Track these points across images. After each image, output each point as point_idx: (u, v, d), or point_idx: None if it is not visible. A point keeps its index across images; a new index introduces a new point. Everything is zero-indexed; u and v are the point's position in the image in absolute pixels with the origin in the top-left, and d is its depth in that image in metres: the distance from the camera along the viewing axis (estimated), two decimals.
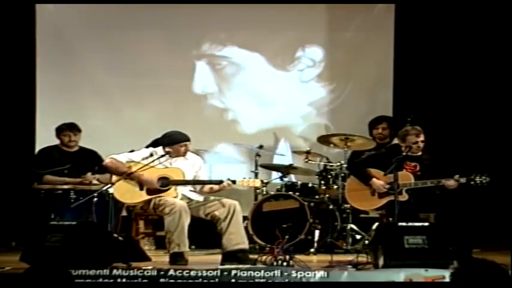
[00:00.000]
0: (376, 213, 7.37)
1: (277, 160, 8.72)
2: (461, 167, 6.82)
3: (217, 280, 5.14)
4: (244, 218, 7.21)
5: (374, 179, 6.95)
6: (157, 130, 7.25)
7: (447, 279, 4.79)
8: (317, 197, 7.97)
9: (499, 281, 3.48)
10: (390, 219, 6.76)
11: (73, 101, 9.02)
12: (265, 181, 7.91)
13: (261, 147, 8.25)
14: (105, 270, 5.23)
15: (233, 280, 5.14)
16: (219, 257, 6.60)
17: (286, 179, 8.10)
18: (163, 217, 6.60)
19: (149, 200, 6.70)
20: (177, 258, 6.43)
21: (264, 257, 5.96)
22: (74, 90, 9.06)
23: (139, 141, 7.64)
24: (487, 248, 7.10)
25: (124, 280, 5.18)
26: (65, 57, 9.03)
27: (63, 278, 3.64)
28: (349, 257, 6.32)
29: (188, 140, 6.88)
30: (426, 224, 5.99)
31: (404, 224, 5.82)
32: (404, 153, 6.78)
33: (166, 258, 6.57)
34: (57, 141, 7.99)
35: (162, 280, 5.18)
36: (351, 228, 7.66)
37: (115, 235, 6.36)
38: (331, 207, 7.72)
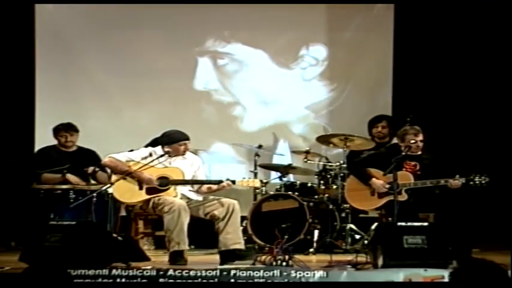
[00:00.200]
0: (375, 213, 7.37)
1: (276, 160, 8.72)
2: (461, 167, 6.82)
3: (216, 280, 5.14)
4: (244, 218, 7.21)
5: (374, 179, 6.95)
6: (157, 130, 7.26)
7: (446, 279, 4.79)
8: (316, 196, 7.97)
9: (498, 281, 3.48)
10: (389, 219, 6.76)
11: (72, 101, 9.01)
12: (265, 181, 7.91)
13: (260, 147, 8.26)
14: (104, 270, 5.22)
15: (232, 280, 5.14)
16: (219, 257, 6.60)
17: (285, 179, 8.10)
18: (162, 216, 6.60)
19: (148, 200, 6.71)
20: (177, 257, 6.43)
21: (264, 257, 5.96)
22: (74, 90, 9.06)
23: (139, 141, 7.65)
24: (487, 248, 7.10)
25: (123, 280, 5.18)
26: (64, 57, 9.02)
27: (61, 277, 3.64)
28: (349, 257, 6.31)
29: (187, 139, 6.88)
30: (425, 224, 5.99)
31: (403, 223, 5.82)
32: (403, 153, 6.78)
33: (166, 258, 6.57)
34: (56, 141, 7.99)
35: (161, 280, 5.18)
36: (350, 228, 7.66)
37: (114, 235, 6.36)
38: (330, 207, 7.72)
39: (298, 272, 5.18)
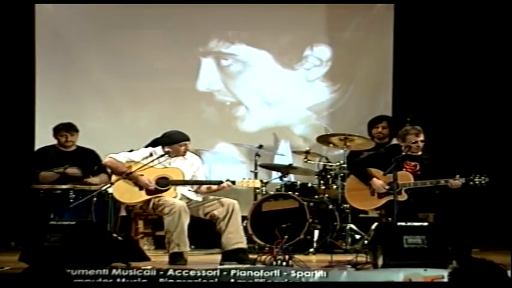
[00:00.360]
0: (375, 213, 7.37)
1: (276, 160, 8.72)
2: (461, 167, 6.82)
3: (216, 280, 5.15)
4: (244, 218, 7.21)
5: (374, 179, 6.95)
6: (157, 130, 7.25)
7: (446, 279, 4.79)
8: (316, 196, 7.96)
9: (498, 280, 3.48)
10: (389, 219, 6.76)
11: (72, 101, 9.01)
12: (265, 181, 7.90)
13: (260, 147, 8.26)
14: (104, 270, 5.23)
15: (232, 280, 5.15)
16: (219, 257, 6.61)
17: (286, 179, 8.10)
18: (162, 217, 6.60)
19: (148, 200, 6.70)
20: (177, 259, 6.42)
21: (264, 257, 5.95)
22: (73, 90, 9.06)
23: (139, 141, 7.64)
24: (487, 248, 7.10)
25: (123, 280, 5.18)
26: (64, 57, 9.02)
27: (60, 277, 3.63)
28: (349, 257, 6.31)
29: (188, 139, 6.88)
30: (425, 223, 5.99)
31: (403, 223, 5.82)
32: (404, 153, 6.78)
33: (166, 258, 6.57)
34: (55, 141, 7.99)
35: (161, 280, 5.18)
36: (350, 228, 7.66)
37: (114, 235, 6.36)
38: (330, 207, 7.71)
39: (298, 272, 5.18)
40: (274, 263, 5.72)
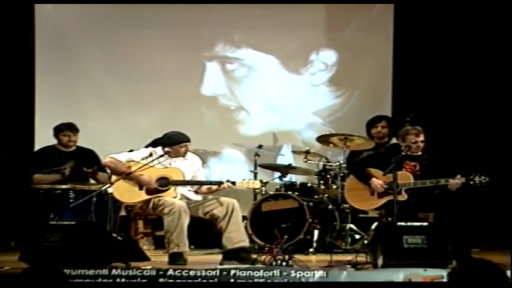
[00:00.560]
0: (375, 213, 7.37)
1: (279, 161, 8.70)
2: (461, 167, 6.82)
3: (216, 280, 5.15)
4: (244, 218, 7.21)
5: (373, 179, 6.95)
6: (158, 131, 7.22)
7: (445, 279, 4.79)
8: (316, 196, 7.96)
9: (497, 280, 3.48)
10: (389, 219, 6.76)
11: (72, 101, 9.00)
12: (265, 181, 7.90)
13: (260, 147, 8.26)
14: (104, 270, 5.23)
15: (232, 280, 5.15)
16: (218, 257, 6.61)
17: (286, 179, 8.10)
18: (162, 217, 6.60)
19: (148, 200, 6.70)
20: (176, 259, 6.42)
21: (263, 257, 5.96)
22: (73, 91, 9.05)
23: (139, 142, 7.61)
24: (486, 248, 7.10)
25: (123, 280, 5.18)
26: (64, 57, 9.01)
27: (60, 277, 3.63)
28: (348, 257, 6.30)
29: (188, 140, 6.87)
30: (425, 223, 6.00)
31: (403, 223, 5.82)
32: (403, 153, 6.78)
33: (166, 258, 6.56)
34: (55, 141, 7.99)
35: (161, 280, 5.18)
36: (350, 228, 7.66)
37: (114, 235, 6.36)
38: (330, 207, 7.71)
39: (298, 272, 5.18)
40: (274, 263, 5.72)
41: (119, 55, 9.08)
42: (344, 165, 7.77)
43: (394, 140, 7.79)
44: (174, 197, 6.67)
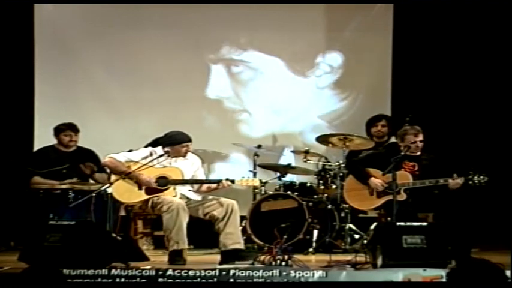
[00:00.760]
0: (374, 213, 7.37)
1: (281, 161, 8.71)
2: (460, 167, 6.82)
3: (215, 280, 5.14)
4: (243, 218, 7.22)
5: (372, 178, 6.96)
6: (159, 132, 7.20)
7: (445, 279, 4.79)
8: (315, 196, 7.97)
9: (496, 280, 3.49)
10: (389, 218, 6.76)
11: (72, 101, 9.00)
12: (264, 180, 7.90)
13: (259, 147, 8.26)
14: (103, 270, 5.22)
15: (232, 280, 5.14)
16: (218, 257, 6.61)
17: (285, 179, 8.10)
18: (161, 215, 6.60)
19: (147, 199, 6.71)
20: (176, 256, 6.43)
21: (263, 257, 5.95)
22: (73, 91, 9.05)
23: (140, 142, 7.59)
24: (486, 248, 7.10)
25: (122, 280, 5.18)
26: (63, 57, 9.01)
27: (54, 276, 3.63)
28: (348, 257, 6.29)
29: (190, 140, 6.87)
30: (425, 223, 5.99)
31: (402, 223, 5.81)
32: (402, 153, 6.78)
33: (165, 258, 6.57)
34: (55, 141, 7.99)
35: (160, 280, 5.18)
36: (350, 228, 7.67)
37: (113, 235, 6.36)
38: (329, 206, 7.72)
39: (297, 272, 5.18)
40: (274, 263, 5.72)
41: (120, 55, 9.07)
42: (343, 165, 7.77)
43: (393, 139, 7.79)
44: (174, 196, 6.67)
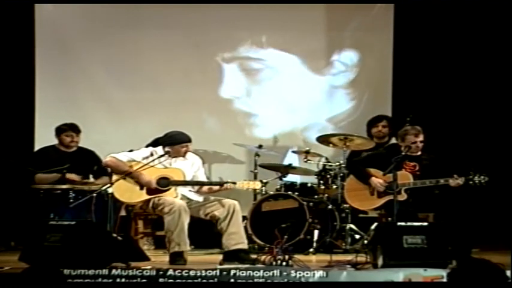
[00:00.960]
0: (375, 213, 7.38)
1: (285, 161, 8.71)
2: (461, 167, 6.82)
3: (216, 280, 5.14)
4: (244, 218, 7.21)
5: (373, 178, 6.96)
6: (159, 132, 7.19)
7: (445, 279, 4.79)
8: (316, 196, 7.97)
9: (496, 279, 3.49)
10: (389, 219, 6.76)
11: (72, 101, 9.00)
12: (265, 181, 7.90)
13: (260, 147, 8.26)
14: (104, 270, 5.22)
15: (232, 280, 5.14)
16: (218, 257, 6.62)
17: (286, 179, 8.10)
18: (162, 217, 6.60)
19: (148, 200, 6.70)
20: (177, 258, 6.43)
21: (263, 257, 5.95)
22: (73, 91, 9.05)
23: (140, 142, 7.59)
24: (486, 248, 7.10)
25: (123, 280, 5.17)
26: (64, 57, 9.01)
27: (55, 277, 3.64)
28: (348, 257, 6.30)
29: (190, 140, 6.87)
30: (425, 223, 5.98)
31: (403, 223, 5.81)
32: (403, 153, 6.78)
33: (166, 258, 6.57)
34: (56, 141, 7.99)
35: (161, 280, 5.17)
36: (350, 228, 7.67)
37: (114, 235, 6.35)
38: (330, 207, 7.72)
39: (298, 272, 5.18)
40: (274, 263, 5.72)
41: (120, 55, 9.06)
42: (344, 165, 7.77)
43: (393, 140, 7.80)
44: (175, 197, 6.66)
